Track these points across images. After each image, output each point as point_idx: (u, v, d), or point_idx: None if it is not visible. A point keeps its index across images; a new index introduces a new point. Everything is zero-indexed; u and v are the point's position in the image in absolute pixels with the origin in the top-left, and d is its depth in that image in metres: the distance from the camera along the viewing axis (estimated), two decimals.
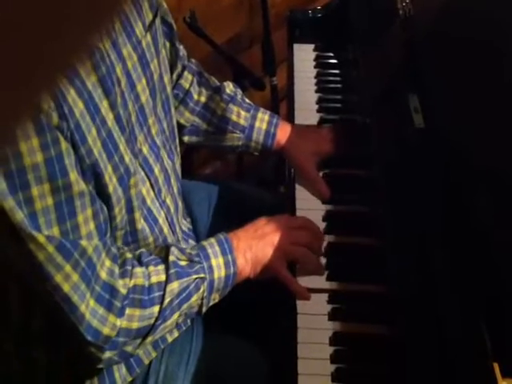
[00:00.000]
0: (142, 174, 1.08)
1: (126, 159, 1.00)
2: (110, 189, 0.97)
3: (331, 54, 1.71)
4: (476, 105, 1.11)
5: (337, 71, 1.67)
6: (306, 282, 1.14)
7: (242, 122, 1.38)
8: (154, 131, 1.13)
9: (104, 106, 0.94)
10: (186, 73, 1.39)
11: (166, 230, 1.16)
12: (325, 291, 1.13)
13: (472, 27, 1.22)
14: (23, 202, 0.83)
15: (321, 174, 1.36)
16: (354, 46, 1.64)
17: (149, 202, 1.10)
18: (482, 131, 1.06)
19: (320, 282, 1.15)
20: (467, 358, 0.85)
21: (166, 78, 1.21)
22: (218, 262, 1.09)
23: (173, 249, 1.07)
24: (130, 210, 1.04)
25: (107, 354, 0.99)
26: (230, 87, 1.41)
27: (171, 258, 1.06)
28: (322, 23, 1.75)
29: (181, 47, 1.36)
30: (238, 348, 1.26)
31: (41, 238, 0.85)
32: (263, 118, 1.39)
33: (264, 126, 1.39)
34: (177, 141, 1.27)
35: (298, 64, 1.69)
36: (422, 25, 1.35)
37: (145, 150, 1.09)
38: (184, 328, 1.20)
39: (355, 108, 1.52)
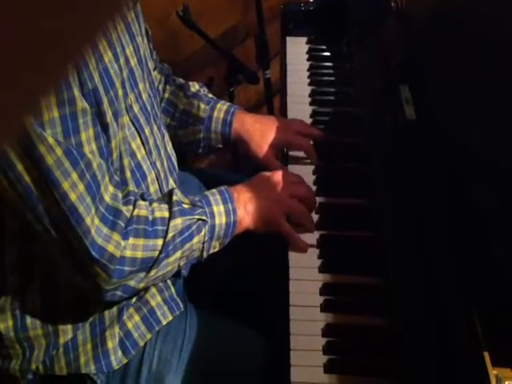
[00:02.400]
0: (133, 129, 1.12)
1: (119, 96, 1.06)
2: (108, 119, 1.03)
3: (324, 47, 1.71)
4: (468, 95, 1.11)
5: (330, 64, 1.66)
6: (298, 274, 1.14)
7: (201, 114, 1.41)
8: (144, 97, 1.18)
9: (102, 43, 1.02)
10: (155, 72, 1.44)
11: (152, 189, 1.19)
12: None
13: (464, 18, 1.22)
14: None
15: (313, 167, 1.36)
16: (346, 38, 1.64)
17: (139, 157, 1.14)
18: (474, 122, 1.06)
19: (313, 273, 1.15)
20: (459, 348, 0.86)
21: (150, 65, 1.27)
22: (219, 209, 1.14)
23: (176, 191, 1.14)
24: (119, 154, 1.09)
25: (113, 281, 1.02)
26: (195, 86, 1.46)
27: (174, 198, 1.12)
28: (314, 16, 1.75)
29: (154, 52, 1.42)
30: (232, 334, 1.28)
31: (50, 139, 0.91)
32: (221, 108, 1.42)
33: (221, 115, 1.41)
34: (164, 128, 1.31)
35: (291, 57, 1.69)
36: (415, 16, 1.35)
37: (135, 108, 1.14)
38: (177, 312, 1.22)
39: (348, 100, 1.52)
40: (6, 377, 1.18)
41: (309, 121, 1.49)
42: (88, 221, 0.96)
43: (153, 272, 1.07)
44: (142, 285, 1.09)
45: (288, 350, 1.02)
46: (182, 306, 1.23)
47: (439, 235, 0.99)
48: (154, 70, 1.43)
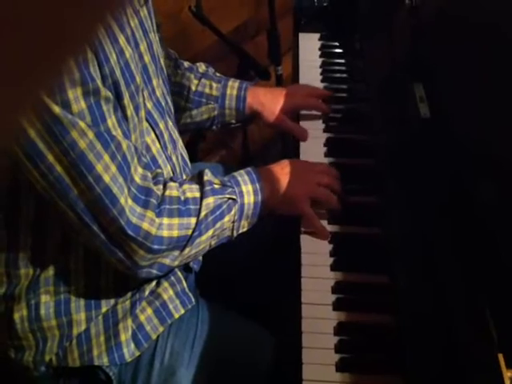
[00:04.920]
0: (147, 124, 1.14)
1: (140, 90, 1.08)
2: (129, 113, 1.04)
3: (337, 44, 1.71)
4: (482, 94, 1.10)
5: (342, 60, 1.66)
6: (311, 271, 1.14)
7: (214, 92, 1.46)
8: (158, 93, 1.20)
9: (122, 38, 1.02)
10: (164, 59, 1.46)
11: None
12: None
13: (479, 14, 1.21)
14: (61, 103, 0.89)
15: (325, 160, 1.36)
16: (359, 35, 1.64)
17: (154, 151, 1.16)
18: (489, 120, 1.06)
19: (325, 271, 1.14)
20: (472, 349, 0.85)
21: (163, 61, 1.29)
22: (247, 189, 1.17)
23: (206, 171, 1.16)
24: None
25: (149, 257, 1.05)
26: (202, 67, 1.50)
27: (205, 177, 1.15)
28: (327, 12, 1.74)
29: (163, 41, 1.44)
30: (243, 330, 1.29)
31: (82, 123, 0.92)
32: (233, 85, 1.47)
33: (234, 92, 1.47)
34: (175, 124, 1.33)
35: (304, 53, 1.68)
36: (428, 13, 1.35)
37: (149, 105, 1.15)
38: (189, 306, 1.23)
39: (361, 97, 1.51)
40: (20, 368, 1.18)
41: (321, 117, 1.48)
42: (122, 200, 0.99)
43: (186, 250, 1.10)
44: (176, 262, 1.11)
45: (300, 347, 1.02)
46: (193, 300, 1.24)
47: (450, 235, 0.99)
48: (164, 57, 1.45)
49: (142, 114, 1.10)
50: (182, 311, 1.21)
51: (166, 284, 1.20)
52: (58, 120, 0.90)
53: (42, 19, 0.23)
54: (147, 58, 1.15)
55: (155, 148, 1.16)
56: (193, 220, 1.09)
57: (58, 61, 0.25)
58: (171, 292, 1.21)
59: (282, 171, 1.23)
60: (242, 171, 1.21)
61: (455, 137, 1.06)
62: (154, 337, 1.18)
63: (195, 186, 1.13)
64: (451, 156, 1.05)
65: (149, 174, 1.07)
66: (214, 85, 1.46)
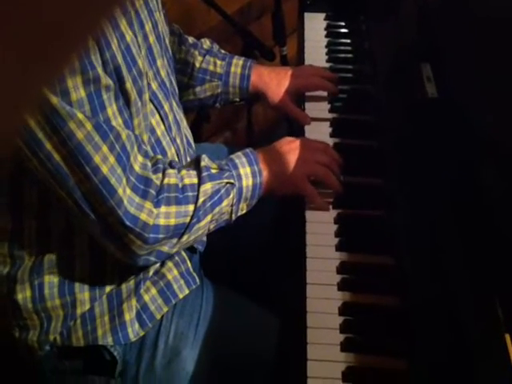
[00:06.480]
0: (152, 106, 1.13)
1: (142, 74, 1.07)
2: (132, 97, 1.03)
3: (342, 23, 1.69)
4: (490, 73, 1.09)
5: (348, 40, 1.65)
6: (315, 252, 1.14)
7: (218, 70, 1.45)
8: (163, 74, 1.19)
9: (123, 23, 1.02)
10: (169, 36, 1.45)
11: None
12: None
13: None
14: (60, 93, 0.89)
15: (331, 144, 1.35)
16: (365, 14, 1.62)
17: (159, 133, 1.16)
18: (496, 101, 1.05)
19: (330, 252, 1.14)
20: (479, 330, 0.85)
21: (168, 41, 1.28)
22: (245, 171, 1.16)
23: (203, 156, 1.15)
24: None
25: (147, 247, 1.05)
26: (206, 43, 1.49)
27: (202, 163, 1.13)
28: None
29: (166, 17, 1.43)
30: (248, 310, 1.28)
31: (80, 115, 0.92)
32: (238, 63, 1.46)
33: (239, 70, 1.45)
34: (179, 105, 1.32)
35: (309, 33, 1.67)
36: None
37: (154, 86, 1.15)
38: (193, 286, 1.22)
39: (367, 78, 1.50)
40: (24, 349, 1.19)
41: (327, 98, 1.47)
42: (120, 191, 0.98)
43: (185, 237, 1.10)
44: (174, 250, 1.11)
45: (305, 327, 1.02)
46: (198, 280, 1.23)
47: (457, 216, 0.98)
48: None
49: (146, 97, 1.10)
50: (187, 291, 1.21)
51: (170, 264, 1.20)
52: (55, 111, 0.90)
53: (45, 13, 0.23)
54: (152, 39, 1.14)
55: (160, 130, 1.16)
56: (191, 207, 1.09)
57: (60, 55, 0.25)
58: (176, 272, 1.21)
59: (281, 150, 1.23)
60: (239, 153, 1.20)
61: (463, 116, 1.06)
62: (158, 317, 1.18)
63: (193, 172, 1.12)
64: (459, 135, 1.04)
65: (148, 163, 1.06)
66: (218, 62, 1.45)
